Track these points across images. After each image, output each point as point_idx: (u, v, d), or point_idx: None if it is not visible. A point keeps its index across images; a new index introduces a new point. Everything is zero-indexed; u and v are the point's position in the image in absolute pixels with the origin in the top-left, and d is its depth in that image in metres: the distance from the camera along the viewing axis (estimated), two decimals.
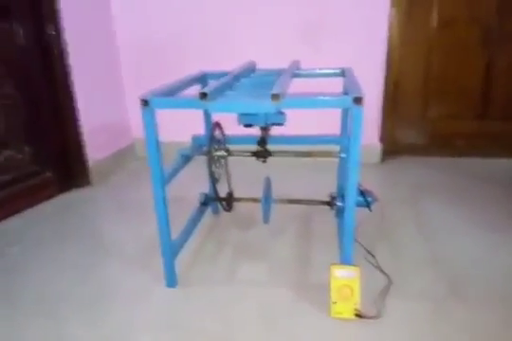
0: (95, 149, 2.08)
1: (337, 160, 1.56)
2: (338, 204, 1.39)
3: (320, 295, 1.18)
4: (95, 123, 2.10)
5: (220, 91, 1.08)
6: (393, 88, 2.26)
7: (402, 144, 2.39)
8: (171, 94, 1.16)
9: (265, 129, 1.32)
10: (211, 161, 1.30)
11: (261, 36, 2.19)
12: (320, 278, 1.26)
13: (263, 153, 1.37)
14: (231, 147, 1.44)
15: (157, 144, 1.11)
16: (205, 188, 1.63)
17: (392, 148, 2.35)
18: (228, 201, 1.50)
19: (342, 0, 2.10)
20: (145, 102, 1.06)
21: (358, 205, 1.24)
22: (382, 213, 1.42)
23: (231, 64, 1.45)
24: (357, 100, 0.99)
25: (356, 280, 1.10)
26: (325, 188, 1.58)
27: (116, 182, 2.13)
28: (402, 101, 2.32)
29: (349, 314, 1.09)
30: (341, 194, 1.40)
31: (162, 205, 1.17)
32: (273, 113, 1.13)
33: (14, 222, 1.73)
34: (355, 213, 1.11)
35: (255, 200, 1.47)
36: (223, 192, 1.49)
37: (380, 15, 2.10)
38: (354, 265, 1.13)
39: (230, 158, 1.44)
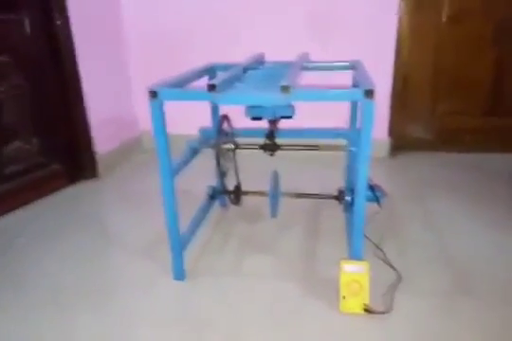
0: (102, 141, 2.08)
1: (345, 154, 1.55)
2: (347, 198, 1.38)
3: (328, 289, 1.17)
4: (102, 115, 2.10)
5: (229, 83, 1.07)
6: (402, 82, 2.24)
7: (410, 139, 2.37)
8: (179, 85, 1.15)
9: (273, 122, 1.31)
10: (219, 154, 1.29)
11: (270, 28, 2.17)
12: (327, 273, 1.26)
13: (271, 147, 1.36)
14: (239, 140, 1.43)
15: (166, 136, 1.10)
16: (212, 181, 1.63)
17: (400, 142, 2.33)
18: (236, 194, 1.49)
19: None
20: (154, 94, 1.05)
21: (368, 199, 1.23)
22: (391, 208, 1.41)
23: (240, 57, 1.44)
24: (369, 93, 0.98)
25: (366, 276, 1.09)
26: (333, 182, 1.57)
27: (123, 174, 2.13)
28: (411, 96, 2.29)
29: (358, 309, 1.09)
30: (350, 188, 1.39)
31: (171, 197, 1.16)
32: (281, 105, 1.13)
33: (22, 213, 1.73)
34: (364, 208, 1.10)
35: (263, 193, 1.46)
36: (231, 185, 1.48)
37: (389, 8, 2.07)
38: (363, 260, 1.13)
39: (238, 151, 1.43)
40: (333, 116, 1.83)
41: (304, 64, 1.40)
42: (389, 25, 2.10)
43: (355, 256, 1.14)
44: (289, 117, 1.22)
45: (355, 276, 1.09)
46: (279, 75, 1.11)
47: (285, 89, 0.94)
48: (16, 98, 1.74)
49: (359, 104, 1.03)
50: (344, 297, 1.09)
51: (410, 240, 1.46)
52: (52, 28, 1.80)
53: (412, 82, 2.26)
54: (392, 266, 1.28)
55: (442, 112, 2.32)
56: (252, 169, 1.65)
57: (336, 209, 1.59)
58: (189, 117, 1.96)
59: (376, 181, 1.36)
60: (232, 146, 1.39)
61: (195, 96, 1.09)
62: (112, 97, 2.25)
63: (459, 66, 2.21)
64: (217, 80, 1.02)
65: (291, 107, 1.20)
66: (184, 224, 1.33)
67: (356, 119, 1.46)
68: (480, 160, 2.19)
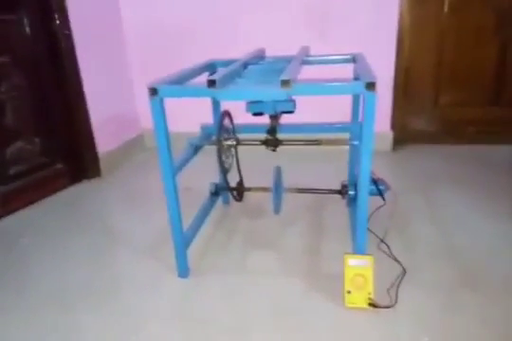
0: (104, 140, 2.08)
1: (347, 148, 1.54)
2: (350, 192, 1.38)
3: (332, 284, 1.17)
4: (104, 114, 2.10)
5: (229, 78, 1.06)
6: (403, 75, 2.22)
7: (413, 131, 2.36)
8: (179, 82, 1.14)
9: (274, 117, 1.30)
10: (221, 150, 1.29)
11: (270, 23, 2.15)
12: (332, 268, 1.26)
13: (273, 142, 1.35)
14: (241, 136, 1.42)
15: (167, 133, 1.10)
16: (215, 178, 1.62)
17: (403, 135, 2.32)
18: (239, 190, 1.49)
19: None
20: (154, 91, 1.04)
21: (371, 193, 1.22)
22: (394, 202, 1.40)
23: (240, 52, 1.43)
24: (370, 86, 0.97)
25: (370, 270, 1.08)
26: (336, 176, 1.57)
27: (125, 173, 2.13)
28: (413, 88, 2.28)
29: (363, 304, 1.08)
30: (353, 183, 1.38)
31: (173, 195, 1.16)
32: (282, 100, 1.12)
33: (26, 213, 1.74)
34: (368, 202, 1.09)
35: (266, 189, 1.46)
36: (233, 182, 1.47)
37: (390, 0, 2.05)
38: (367, 254, 1.12)
39: (240, 147, 1.42)
40: (335, 109, 1.82)
41: (305, 58, 1.39)
42: (390, 16, 2.08)
43: (359, 250, 1.14)
44: (291, 112, 1.21)
45: (359, 270, 1.09)
46: (279, 69, 1.10)
47: (286, 83, 0.94)
48: (17, 98, 1.74)
49: (361, 97, 1.02)
50: (349, 292, 1.09)
51: (414, 233, 1.46)
52: (52, 28, 1.80)
53: (414, 74, 2.25)
54: (396, 260, 1.28)
55: (444, 103, 2.30)
56: (254, 165, 1.64)
57: (339, 204, 1.59)
58: (190, 115, 1.95)
59: (379, 174, 1.35)
60: (234, 142, 1.39)
61: (195, 92, 1.08)
62: (113, 95, 2.24)
63: (461, 57, 2.19)
64: (217, 75, 1.01)
65: (292, 102, 1.19)
66: (187, 222, 1.33)
67: (359, 113, 1.45)
68: (483, 151, 2.18)
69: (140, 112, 2.42)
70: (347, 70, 1.43)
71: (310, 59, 1.44)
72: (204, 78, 1.06)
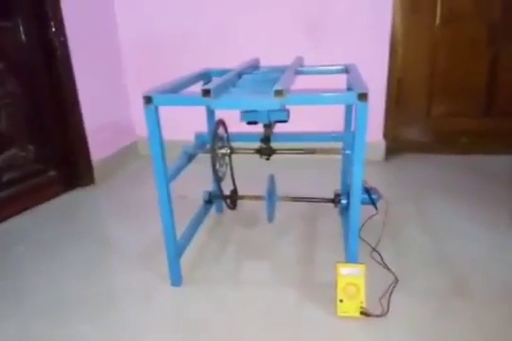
0: (98, 147, 2.08)
1: (340, 157, 1.55)
2: (343, 201, 1.39)
3: (325, 293, 1.17)
4: (98, 122, 2.10)
5: (223, 88, 1.07)
6: (396, 85, 2.25)
7: (406, 141, 2.38)
8: (174, 91, 1.15)
9: (268, 126, 1.31)
10: (215, 159, 1.30)
11: (264, 33, 2.18)
12: (325, 277, 1.26)
13: (266, 151, 1.36)
14: (235, 144, 1.43)
15: (161, 142, 1.11)
16: (209, 186, 1.63)
17: (395, 145, 2.34)
18: (233, 199, 1.49)
19: None
20: (148, 99, 1.05)
21: (363, 202, 1.23)
22: (387, 211, 1.41)
23: (235, 62, 1.44)
24: (362, 96, 0.98)
25: (362, 278, 1.09)
26: (329, 185, 1.57)
27: (119, 181, 2.13)
28: (406, 99, 2.30)
29: (355, 313, 1.09)
30: (346, 192, 1.39)
31: (166, 203, 1.16)
32: (276, 110, 1.13)
33: (19, 220, 1.73)
34: (360, 210, 1.10)
35: (259, 198, 1.47)
36: (227, 190, 1.48)
37: (383, 11, 2.08)
38: (359, 263, 1.13)
39: (234, 156, 1.43)
40: (328, 119, 1.83)
41: (299, 69, 1.41)
42: (383, 28, 2.11)
43: (351, 258, 1.14)
44: (284, 122, 1.23)
45: (351, 279, 1.09)
46: (273, 79, 1.12)
47: (279, 93, 0.95)
48: (11, 105, 1.74)
49: (354, 107, 1.04)
50: (341, 301, 1.09)
51: (406, 242, 1.47)
52: (47, 36, 1.81)
53: (407, 85, 2.28)
54: (388, 268, 1.28)
55: (437, 114, 2.33)
56: (248, 173, 1.65)
57: (332, 213, 1.60)
58: (185, 123, 1.96)
59: (372, 183, 1.36)
60: (228, 151, 1.40)
61: (190, 101, 1.09)
62: (108, 103, 2.25)
63: (453, 68, 2.23)
64: (212, 84, 1.02)
65: (286, 111, 1.20)
66: (181, 230, 1.33)
67: (351, 123, 1.47)
68: (475, 162, 2.20)
69: (135, 119, 2.42)
70: (340, 80, 1.45)
71: (304, 69, 1.45)
72: (199, 87, 1.07)
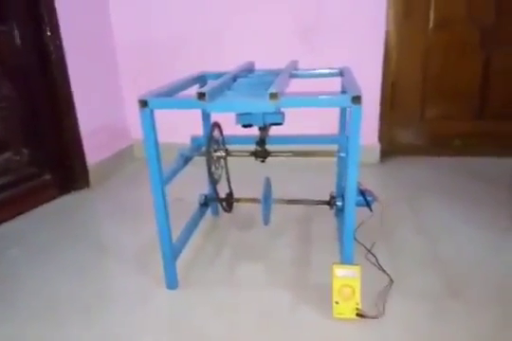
0: (94, 150, 2.08)
1: (335, 160, 1.56)
2: (338, 203, 1.39)
3: (320, 295, 1.17)
4: (93, 125, 2.10)
5: (218, 91, 1.07)
6: (390, 88, 2.27)
7: (400, 144, 2.40)
8: (169, 94, 1.16)
9: (263, 129, 1.32)
10: (211, 162, 1.30)
11: (259, 37, 2.19)
12: (320, 279, 1.26)
13: (262, 154, 1.37)
14: (230, 147, 1.44)
15: (156, 145, 1.11)
16: (204, 189, 1.63)
17: (390, 148, 2.35)
18: (228, 202, 1.50)
19: (340, 0, 2.10)
20: (144, 103, 1.05)
21: (358, 204, 1.23)
22: (382, 213, 1.42)
23: (230, 65, 1.45)
24: (356, 99, 0.99)
25: (358, 280, 1.09)
26: (325, 187, 1.58)
27: (115, 184, 2.12)
28: (400, 102, 2.32)
29: (350, 314, 1.09)
30: (341, 194, 1.40)
31: (162, 206, 1.16)
32: (271, 112, 1.13)
33: (14, 224, 1.72)
34: (355, 212, 1.11)
35: (255, 200, 1.47)
36: (223, 193, 1.48)
37: (378, 15, 2.10)
38: (355, 265, 1.13)
39: (230, 159, 1.44)
40: (323, 122, 1.84)
41: (294, 72, 1.42)
42: (377, 31, 2.13)
43: (346, 260, 1.15)
44: (279, 124, 1.23)
45: (347, 280, 1.09)
46: (268, 82, 1.12)
47: (274, 96, 0.95)
48: (6, 109, 1.74)
49: (348, 110, 1.05)
50: (337, 303, 1.09)
51: (401, 243, 1.47)
52: (42, 40, 1.81)
53: (401, 88, 2.29)
54: (383, 270, 1.29)
55: (431, 117, 2.35)
56: (244, 176, 1.65)
57: (328, 215, 1.60)
58: (180, 126, 1.96)
59: (367, 186, 1.37)
60: (223, 153, 1.40)
61: (185, 104, 1.10)
62: (103, 106, 2.25)
63: (447, 72, 2.25)
64: (207, 88, 1.03)
65: (281, 114, 1.21)
66: (177, 233, 1.33)
67: (346, 125, 1.48)
68: (469, 164, 2.22)
69: (130, 122, 2.42)
70: (335, 84, 1.46)
71: (299, 72, 1.46)
72: (194, 90, 1.08)
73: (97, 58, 2.20)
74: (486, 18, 2.14)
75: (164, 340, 1.08)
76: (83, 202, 1.94)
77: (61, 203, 1.93)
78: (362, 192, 1.33)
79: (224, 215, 1.66)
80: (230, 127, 1.32)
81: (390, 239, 1.49)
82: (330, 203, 1.47)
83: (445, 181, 2.03)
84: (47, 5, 1.79)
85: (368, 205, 1.34)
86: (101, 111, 2.24)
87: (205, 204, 1.60)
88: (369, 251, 1.38)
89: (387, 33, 2.15)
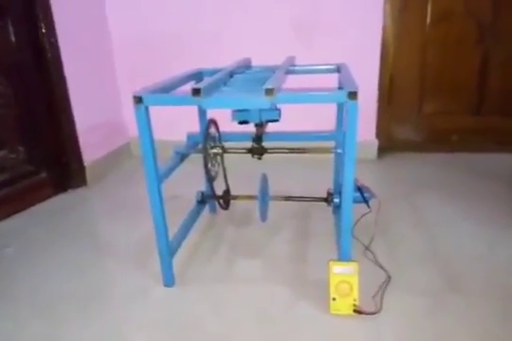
0: (90, 148, 2.07)
1: (333, 156, 1.55)
2: (336, 200, 1.39)
3: (318, 291, 1.17)
4: (90, 122, 2.09)
5: (214, 87, 1.07)
6: (388, 84, 2.26)
7: (398, 140, 2.39)
8: (165, 91, 1.15)
9: (259, 126, 1.31)
10: (207, 159, 1.29)
11: (256, 33, 2.18)
12: (318, 275, 1.26)
13: (258, 150, 1.36)
14: (227, 144, 1.43)
15: (152, 142, 1.10)
16: (201, 186, 1.62)
17: (388, 144, 2.35)
18: (225, 199, 1.49)
19: None
20: (138, 99, 1.04)
21: (356, 201, 1.23)
22: (379, 209, 1.41)
23: (227, 62, 1.44)
24: (352, 95, 0.98)
25: (355, 276, 1.09)
26: (322, 184, 1.58)
27: (111, 181, 2.12)
28: (397, 97, 2.31)
29: (348, 311, 1.09)
30: (338, 190, 1.39)
31: (158, 203, 1.16)
32: (267, 109, 1.13)
33: (10, 222, 1.71)
34: (352, 209, 1.10)
35: (252, 197, 1.46)
36: (219, 190, 1.48)
37: (374, 10, 2.09)
38: (352, 261, 1.13)
39: (226, 156, 1.43)
40: (320, 118, 1.84)
41: (290, 68, 1.41)
42: (374, 27, 2.12)
43: (344, 256, 1.15)
44: (276, 121, 1.23)
45: (344, 276, 1.09)
46: (265, 78, 1.11)
47: (269, 92, 0.95)
48: (1, 106, 1.72)
49: (345, 106, 1.04)
50: (334, 299, 1.09)
51: (399, 239, 1.47)
52: (37, 36, 1.79)
53: (399, 83, 2.28)
54: (381, 266, 1.29)
55: (429, 112, 2.34)
56: (240, 173, 1.65)
57: (325, 211, 1.60)
58: (176, 123, 1.95)
59: (365, 182, 1.36)
60: (220, 150, 1.40)
61: (180, 100, 1.09)
62: (100, 104, 2.24)
63: (445, 67, 2.24)
64: (202, 84, 1.02)
65: (277, 110, 1.21)
66: (173, 231, 1.32)
67: (343, 121, 1.47)
68: (467, 160, 2.21)
69: (127, 120, 2.41)
70: (332, 80, 1.45)
71: (295, 68, 1.46)
72: (190, 86, 1.07)
73: (93, 55, 2.18)
74: (484, 12, 2.13)
75: (161, 337, 1.07)
76: (80, 200, 1.93)
77: (57, 201, 1.92)
78: (360, 189, 1.33)
79: (221, 212, 1.65)
80: (227, 124, 1.32)
81: (387, 235, 1.49)
82: (327, 199, 1.46)
83: (443, 177, 2.03)
84: (43, 1, 1.77)
85: (365, 201, 1.33)
86: (98, 108, 2.23)
87: (202, 201, 1.59)
88: (366, 247, 1.38)
89: (384, 28, 2.13)
